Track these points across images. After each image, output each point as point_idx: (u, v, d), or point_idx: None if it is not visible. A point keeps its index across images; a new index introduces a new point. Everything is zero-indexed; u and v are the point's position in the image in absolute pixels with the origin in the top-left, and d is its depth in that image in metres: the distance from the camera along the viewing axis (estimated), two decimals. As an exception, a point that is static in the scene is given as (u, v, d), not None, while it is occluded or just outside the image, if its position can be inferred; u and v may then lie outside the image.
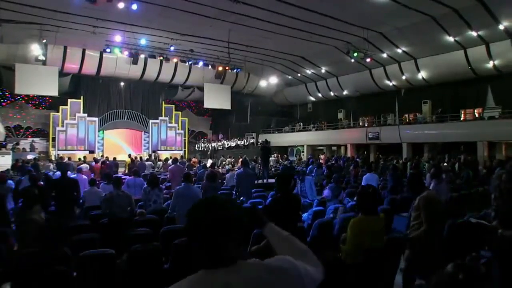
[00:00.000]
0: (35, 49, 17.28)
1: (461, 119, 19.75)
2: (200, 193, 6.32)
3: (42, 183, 9.71)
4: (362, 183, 8.18)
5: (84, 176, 9.16)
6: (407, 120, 21.95)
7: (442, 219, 4.10)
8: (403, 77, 20.94)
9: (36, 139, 23.51)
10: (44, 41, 17.08)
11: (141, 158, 18.49)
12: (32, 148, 22.11)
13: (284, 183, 4.39)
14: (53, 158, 20.62)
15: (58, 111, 22.93)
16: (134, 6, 12.91)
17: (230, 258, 1.24)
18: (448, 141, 19.31)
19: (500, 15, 14.51)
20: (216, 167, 12.46)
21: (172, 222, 5.78)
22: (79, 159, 18.02)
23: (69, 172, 10.43)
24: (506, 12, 14.39)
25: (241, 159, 18.34)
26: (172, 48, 18.90)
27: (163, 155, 23.58)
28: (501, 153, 17.88)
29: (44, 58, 17.73)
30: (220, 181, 10.62)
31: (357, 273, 3.24)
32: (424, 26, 15.93)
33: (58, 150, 22.03)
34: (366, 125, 23.76)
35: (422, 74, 20.05)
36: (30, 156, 19.26)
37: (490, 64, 17.23)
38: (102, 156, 20.67)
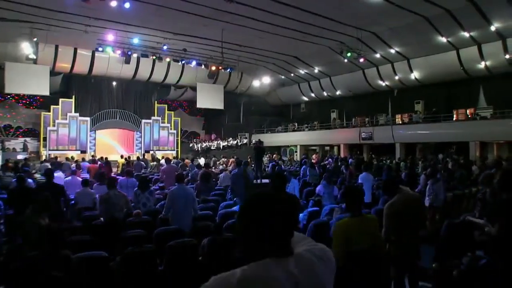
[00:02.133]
0: (26, 48, 17.05)
1: (454, 119, 19.88)
2: (194, 194, 6.25)
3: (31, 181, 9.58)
4: (359, 182, 8.18)
5: (79, 178, 8.89)
6: (401, 120, 22.05)
7: (416, 222, 3.94)
8: (396, 77, 21.03)
9: (27, 139, 23.21)
10: (35, 39, 16.84)
11: (138, 158, 18.35)
12: (25, 148, 21.70)
13: (280, 183, 4.33)
14: (44, 158, 20.33)
15: (49, 111, 22.66)
16: (127, 5, 12.76)
17: (291, 249, 1.29)
18: (441, 141, 19.42)
19: (491, 16, 14.64)
20: (210, 167, 12.37)
21: (166, 223, 5.71)
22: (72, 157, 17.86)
23: (61, 174, 10.26)
24: (497, 13, 14.52)
25: (233, 159, 18.34)
26: (165, 47, 18.77)
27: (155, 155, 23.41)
28: (493, 153, 18.03)
29: (35, 57, 17.49)
30: (214, 180, 10.53)
31: (339, 276, 3.13)
32: (417, 26, 16.01)
33: (49, 150, 21.80)
34: (359, 125, 23.83)
35: (415, 74, 20.15)
36: (20, 156, 18.99)
37: (482, 65, 17.37)
38: (93, 156, 20.47)
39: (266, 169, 17.03)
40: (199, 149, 27.97)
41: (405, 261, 3.73)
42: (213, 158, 22.50)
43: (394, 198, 3.86)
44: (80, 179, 8.48)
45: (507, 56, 16.27)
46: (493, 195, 4.25)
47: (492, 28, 15.19)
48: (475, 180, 10.42)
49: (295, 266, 1.23)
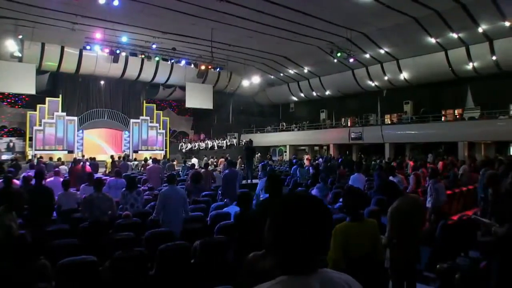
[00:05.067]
0: (10, 45, 16.69)
1: (442, 119, 20.07)
2: (185, 195, 6.14)
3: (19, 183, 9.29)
4: (350, 183, 8.09)
5: (61, 179, 8.53)
6: (390, 120, 22.19)
7: (417, 225, 3.89)
8: (385, 78, 21.16)
9: (12, 139, 22.71)
10: (20, 37, 16.51)
11: (124, 158, 18.07)
12: (12, 149, 21.13)
13: (275, 185, 4.22)
14: (29, 158, 19.92)
15: (35, 110, 22.23)
16: (116, 2, 12.59)
17: (317, 264, 1.14)
18: (429, 141, 19.60)
19: (479, 18, 14.85)
20: (202, 168, 12.14)
21: (156, 225, 5.57)
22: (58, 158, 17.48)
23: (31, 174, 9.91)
24: (485, 15, 14.72)
25: (222, 159, 18.20)
26: (154, 46, 18.59)
27: (143, 155, 23.12)
28: (480, 153, 18.24)
29: (20, 55, 17.15)
30: (212, 181, 10.30)
31: None
32: (406, 27, 16.15)
33: (36, 150, 21.39)
34: (348, 125, 23.91)
35: (404, 75, 20.30)
36: (5, 156, 18.58)
37: (470, 66, 17.58)
38: (83, 156, 20.13)
39: (257, 169, 16.95)
40: (189, 149, 27.70)
41: (405, 264, 3.68)
42: (205, 158, 22.29)
43: (398, 201, 3.77)
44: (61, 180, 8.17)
45: (494, 58, 16.52)
46: (496, 195, 4.22)
47: (480, 29, 15.41)
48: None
49: (323, 283, 1.10)
